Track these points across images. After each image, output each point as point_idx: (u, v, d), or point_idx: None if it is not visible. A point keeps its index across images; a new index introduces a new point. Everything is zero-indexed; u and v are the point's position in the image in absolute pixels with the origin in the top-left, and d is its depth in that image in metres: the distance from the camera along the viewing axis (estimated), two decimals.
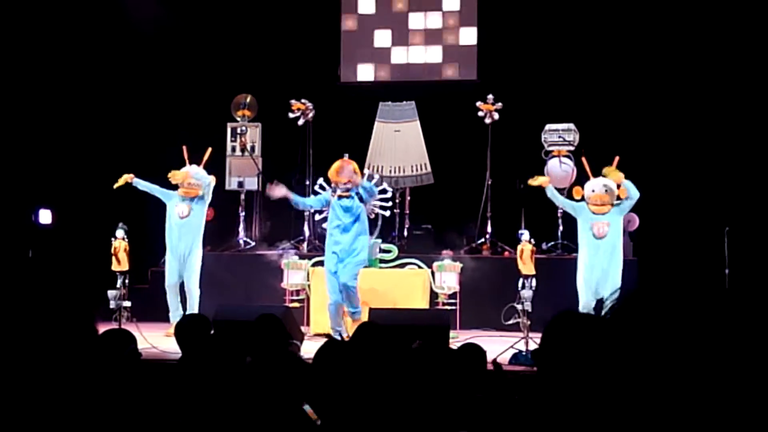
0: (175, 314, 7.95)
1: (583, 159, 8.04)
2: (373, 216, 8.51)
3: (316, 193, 8.36)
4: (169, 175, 8.05)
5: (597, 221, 7.53)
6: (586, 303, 7.42)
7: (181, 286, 8.12)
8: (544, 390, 1.78)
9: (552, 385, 1.78)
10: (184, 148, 8.32)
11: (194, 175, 8.11)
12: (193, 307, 7.91)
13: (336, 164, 7.72)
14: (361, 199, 7.65)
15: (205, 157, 8.42)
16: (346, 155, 7.95)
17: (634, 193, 7.49)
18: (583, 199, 7.65)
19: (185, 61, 10.38)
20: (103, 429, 2.57)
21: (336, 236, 7.62)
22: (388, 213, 8.87)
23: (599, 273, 7.46)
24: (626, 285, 7.56)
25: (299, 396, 2.93)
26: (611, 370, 1.25)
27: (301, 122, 9.48)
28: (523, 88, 9.83)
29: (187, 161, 8.27)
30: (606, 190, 7.51)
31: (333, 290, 7.58)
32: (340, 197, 7.64)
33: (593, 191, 7.55)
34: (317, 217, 8.82)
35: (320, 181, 8.45)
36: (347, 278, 7.50)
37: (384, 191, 8.70)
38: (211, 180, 8.21)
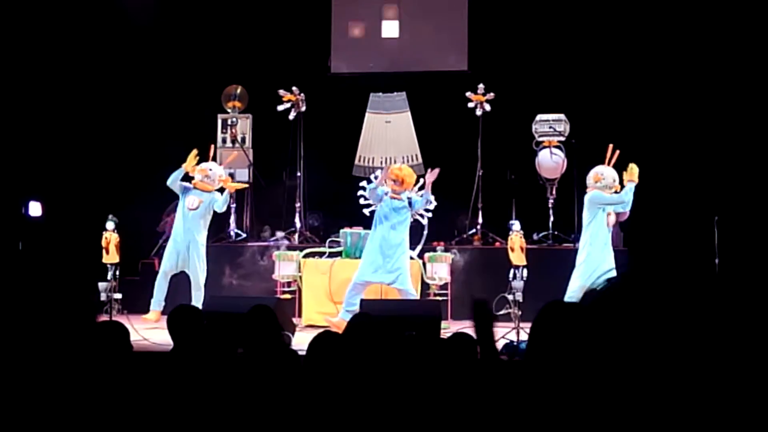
0: (156, 304, 7.95)
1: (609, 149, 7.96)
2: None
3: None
4: (188, 166, 8.04)
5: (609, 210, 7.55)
6: (573, 293, 7.39)
7: (172, 279, 8.10)
8: (533, 379, 1.79)
9: (541, 375, 1.79)
10: (212, 146, 8.60)
11: (212, 171, 8.19)
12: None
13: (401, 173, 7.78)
14: (410, 205, 7.74)
15: (210, 154, 8.54)
16: (401, 162, 7.95)
17: (628, 198, 7.51)
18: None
19: (175, 52, 10.33)
20: (96, 419, 2.57)
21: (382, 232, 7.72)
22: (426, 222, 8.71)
23: (599, 263, 7.45)
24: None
25: (291, 387, 2.93)
26: (600, 360, 1.26)
27: (292, 116, 9.45)
28: (514, 79, 9.84)
29: (210, 157, 8.43)
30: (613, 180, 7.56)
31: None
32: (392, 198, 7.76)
33: (612, 181, 7.57)
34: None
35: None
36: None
37: (429, 201, 8.33)
38: (224, 196, 8.18)
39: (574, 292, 7.38)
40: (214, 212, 8.19)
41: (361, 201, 8.48)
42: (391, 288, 7.83)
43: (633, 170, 7.56)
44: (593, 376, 1.25)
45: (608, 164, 7.69)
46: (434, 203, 8.36)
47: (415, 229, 8.34)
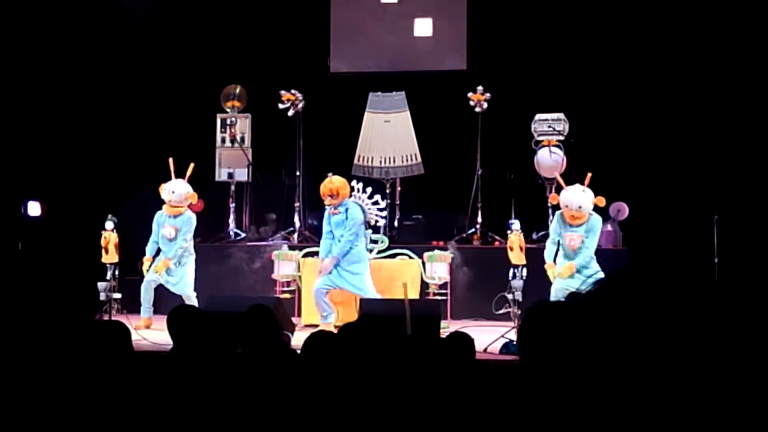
0: (145, 311, 7.95)
1: (558, 177, 7.91)
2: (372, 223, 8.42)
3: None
4: (160, 188, 8.03)
5: (569, 233, 7.37)
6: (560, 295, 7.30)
7: (164, 287, 8.08)
8: (526, 379, 1.80)
9: (533, 374, 1.79)
10: (171, 160, 8.12)
11: (175, 194, 7.99)
12: None
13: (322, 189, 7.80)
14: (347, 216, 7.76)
15: (188, 173, 8.23)
16: (330, 174, 7.93)
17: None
18: (557, 207, 7.57)
19: (174, 51, 10.33)
20: (97, 419, 2.57)
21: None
22: (384, 221, 8.67)
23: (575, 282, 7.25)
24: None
25: (290, 386, 2.94)
26: (591, 357, 1.26)
27: (291, 113, 9.45)
28: (513, 78, 9.83)
29: (173, 175, 8.13)
30: (579, 207, 7.33)
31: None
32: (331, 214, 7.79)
33: (566, 206, 7.37)
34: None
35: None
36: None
37: (376, 203, 8.36)
38: (192, 216, 8.06)
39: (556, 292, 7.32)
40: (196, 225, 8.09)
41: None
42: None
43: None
44: (584, 374, 1.26)
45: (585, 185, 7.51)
46: (382, 204, 8.35)
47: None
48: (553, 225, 7.53)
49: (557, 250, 7.44)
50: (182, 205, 8.04)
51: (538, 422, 1.71)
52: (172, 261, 7.94)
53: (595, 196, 7.36)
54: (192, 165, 8.31)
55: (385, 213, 8.59)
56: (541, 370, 1.75)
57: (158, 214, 8.10)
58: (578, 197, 7.34)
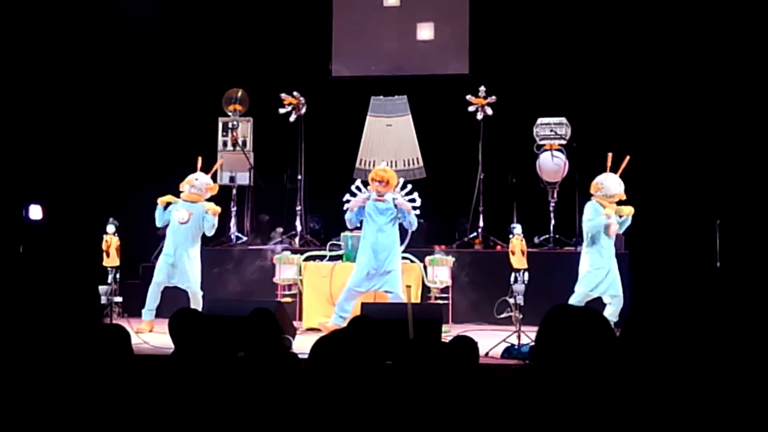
0: (148, 313, 7.93)
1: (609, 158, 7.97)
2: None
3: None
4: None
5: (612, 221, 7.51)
6: (579, 300, 7.38)
7: (166, 290, 8.06)
8: (540, 383, 1.78)
9: (548, 379, 1.78)
10: (200, 158, 8.41)
11: (198, 181, 8.14)
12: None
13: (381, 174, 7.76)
14: (395, 205, 7.73)
15: (214, 168, 8.53)
16: (384, 162, 7.91)
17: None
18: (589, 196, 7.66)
19: (177, 55, 10.34)
20: (97, 422, 2.55)
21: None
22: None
23: (604, 275, 7.46)
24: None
25: (291, 391, 2.92)
26: (607, 363, 1.25)
27: (293, 119, 9.45)
28: (515, 82, 9.83)
29: (198, 169, 8.35)
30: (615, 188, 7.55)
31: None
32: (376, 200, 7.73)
33: (609, 193, 7.56)
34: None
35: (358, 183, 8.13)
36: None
37: (413, 200, 8.19)
38: (210, 207, 8.11)
39: (577, 297, 7.38)
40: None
41: (345, 206, 8.31)
42: (381, 292, 7.80)
43: (628, 211, 7.58)
44: (600, 380, 1.25)
45: (610, 172, 7.68)
46: (417, 203, 8.30)
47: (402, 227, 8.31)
48: (591, 210, 7.55)
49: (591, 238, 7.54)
50: (201, 195, 8.12)
51: (544, 426, 1.70)
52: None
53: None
54: (221, 161, 8.44)
55: (418, 211, 8.45)
56: (555, 373, 1.74)
57: (173, 205, 8.12)
58: (617, 183, 7.56)
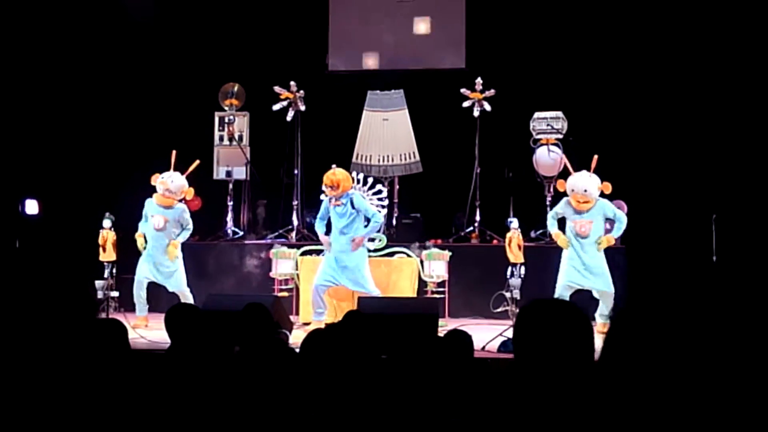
0: (141, 309, 7.90)
1: (567, 161, 7.98)
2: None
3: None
4: (153, 177, 7.97)
5: (579, 219, 7.47)
6: (560, 292, 7.39)
7: (151, 285, 8.04)
8: (521, 376, 1.80)
9: (528, 371, 1.79)
10: (173, 153, 8.13)
11: (173, 184, 7.96)
12: None
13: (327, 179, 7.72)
14: (353, 206, 7.69)
15: (191, 168, 8.22)
16: (333, 166, 7.90)
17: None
18: (565, 193, 7.61)
19: (173, 49, 10.31)
20: (93, 417, 2.56)
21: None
22: (384, 211, 8.59)
23: (582, 268, 7.43)
24: (614, 273, 7.60)
25: (288, 385, 2.93)
26: (584, 355, 1.26)
27: (289, 117, 9.44)
28: (512, 77, 9.83)
29: (172, 167, 8.09)
30: (585, 191, 7.47)
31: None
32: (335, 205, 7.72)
33: (572, 190, 7.50)
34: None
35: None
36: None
37: (379, 192, 8.39)
38: (184, 208, 8.00)
39: (558, 290, 7.38)
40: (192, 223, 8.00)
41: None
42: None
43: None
44: (578, 372, 1.25)
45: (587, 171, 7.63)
46: (384, 194, 8.31)
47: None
48: (561, 204, 7.57)
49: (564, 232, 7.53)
50: (175, 197, 7.99)
51: (535, 420, 1.70)
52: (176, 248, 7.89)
53: (602, 182, 7.42)
54: (197, 162, 8.32)
55: (386, 202, 8.55)
56: (535, 368, 1.76)
57: (148, 202, 7.99)
58: (584, 181, 7.44)
